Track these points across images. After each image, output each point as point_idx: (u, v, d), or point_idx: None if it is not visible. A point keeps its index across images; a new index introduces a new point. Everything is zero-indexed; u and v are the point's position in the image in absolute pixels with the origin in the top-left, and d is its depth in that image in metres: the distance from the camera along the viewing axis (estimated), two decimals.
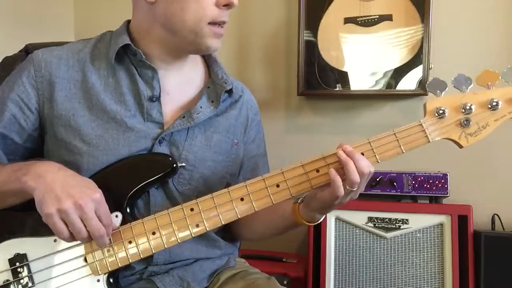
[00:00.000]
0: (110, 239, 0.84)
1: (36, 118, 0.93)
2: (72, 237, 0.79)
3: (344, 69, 1.83)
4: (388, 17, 1.77)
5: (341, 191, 0.81)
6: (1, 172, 0.86)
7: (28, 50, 1.22)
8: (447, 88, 0.87)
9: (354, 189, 0.82)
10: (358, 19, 1.79)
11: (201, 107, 0.97)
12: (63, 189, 0.78)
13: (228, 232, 1.08)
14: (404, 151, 0.85)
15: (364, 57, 1.80)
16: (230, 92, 1.03)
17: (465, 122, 0.86)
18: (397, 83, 1.78)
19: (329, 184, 0.83)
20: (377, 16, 1.78)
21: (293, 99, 1.97)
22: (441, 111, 0.86)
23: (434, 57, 1.73)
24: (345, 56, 1.82)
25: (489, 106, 0.85)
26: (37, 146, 0.97)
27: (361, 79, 1.81)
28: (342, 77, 1.83)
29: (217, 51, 1.01)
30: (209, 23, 0.90)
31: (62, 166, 0.85)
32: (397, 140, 0.85)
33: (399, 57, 1.77)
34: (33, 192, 0.79)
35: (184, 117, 0.95)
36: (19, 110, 0.92)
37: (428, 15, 1.73)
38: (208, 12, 0.89)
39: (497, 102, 0.85)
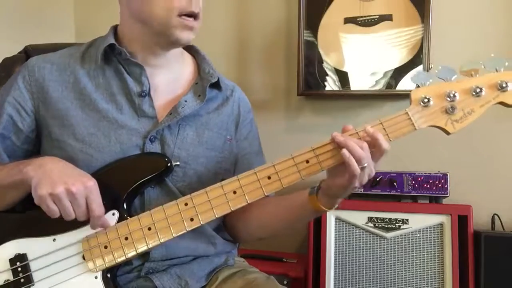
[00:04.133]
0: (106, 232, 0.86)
1: (32, 120, 0.96)
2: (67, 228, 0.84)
3: (344, 69, 1.83)
4: (388, 17, 1.78)
5: (357, 169, 0.81)
6: (4, 168, 0.90)
7: (28, 51, 1.23)
8: (431, 80, 0.88)
9: (364, 164, 0.81)
10: (358, 19, 1.80)
11: (186, 101, 0.98)
12: (59, 176, 0.81)
13: (232, 233, 1.08)
14: (391, 139, 0.86)
15: (364, 57, 1.80)
16: (218, 87, 1.05)
17: (451, 109, 0.87)
18: (397, 83, 1.78)
19: (339, 166, 0.84)
20: (377, 16, 1.78)
21: (293, 99, 1.97)
22: (426, 100, 0.87)
23: (434, 57, 1.73)
24: (345, 56, 1.82)
25: (473, 93, 0.87)
26: (35, 149, 1.00)
27: (361, 79, 1.81)
28: (342, 77, 1.83)
29: (209, 55, 1.04)
30: (178, 15, 0.91)
31: (62, 160, 0.88)
32: (384, 128, 0.86)
33: (399, 57, 1.77)
34: (31, 180, 0.82)
35: (171, 113, 0.97)
36: (16, 112, 0.95)
37: (428, 15, 1.73)
38: (175, 3, 0.91)
39: (480, 89, 0.86)
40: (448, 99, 0.87)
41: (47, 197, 0.79)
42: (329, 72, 1.84)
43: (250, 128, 1.11)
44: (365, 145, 0.82)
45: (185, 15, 0.92)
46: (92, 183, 0.83)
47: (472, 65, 0.88)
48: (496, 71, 0.88)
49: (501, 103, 0.88)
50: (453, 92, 0.87)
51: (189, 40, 0.95)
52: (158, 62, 0.99)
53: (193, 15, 0.93)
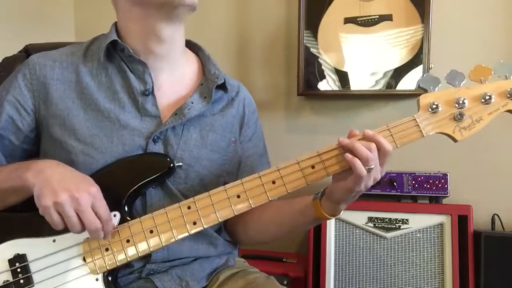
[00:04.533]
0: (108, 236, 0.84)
1: (32, 119, 0.95)
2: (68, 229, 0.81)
3: (344, 69, 1.82)
4: (388, 17, 1.77)
5: (364, 170, 0.80)
6: (2, 171, 0.88)
7: (28, 50, 1.23)
8: (440, 84, 0.87)
9: (371, 165, 0.80)
10: (358, 19, 1.79)
11: (192, 103, 0.97)
12: (60, 183, 0.79)
13: (231, 235, 1.08)
14: (398, 146, 0.85)
15: (364, 57, 1.79)
16: (224, 88, 1.03)
17: (459, 116, 0.86)
18: (397, 83, 1.78)
19: (345, 172, 0.83)
20: (377, 16, 1.78)
21: (293, 99, 1.97)
22: (434, 106, 0.86)
23: (434, 57, 1.73)
24: (345, 56, 1.82)
25: (482, 100, 0.86)
26: (34, 148, 0.98)
27: (361, 79, 1.81)
28: (342, 77, 1.83)
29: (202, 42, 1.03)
30: None
31: (61, 163, 0.86)
32: (391, 135, 0.85)
33: (399, 57, 1.77)
34: (33, 187, 0.80)
35: (176, 114, 0.95)
36: (15, 111, 0.94)
37: (428, 15, 1.72)
38: None
39: (490, 96, 0.85)
40: (457, 105, 0.86)
41: (51, 206, 0.77)
42: (329, 72, 1.84)
43: (255, 129, 1.10)
44: (373, 146, 0.81)
45: None
46: (95, 189, 0.81)
47: (482, 71, 0.86)
48: (506, 78, 0.86)
49: (510, 111, 0.87)
50: (462, 99, 0.85)
51: (193, 1, 0.90)
52: (161, 50, 0.96)
53: None
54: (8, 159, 0.95)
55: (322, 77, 1.85)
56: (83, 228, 0.80)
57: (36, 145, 0.98)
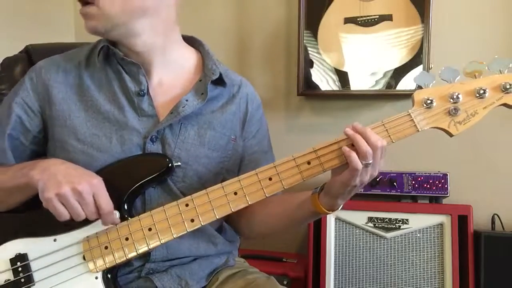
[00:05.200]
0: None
1: (39, 120, 0.98)
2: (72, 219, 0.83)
3: (344, 69, 1.83)
4: (388, 17, 1.78)
5: (359, 164, 0.80)
6: (9, 170, 0.91)
7: (28, 50, 1.24)
8: (434, 81, 0.88)
9: (369, 161, 0.80)
10: (358, 19, 1.80)
11: (186, 100, 0.97)
12: (64, 176, 0.82)
13: (234, 226, 1.08)
14: (393, 141, 0.85)
15: (364, 57, 1.80)
16: (222, 83, 1.02)
17: (454, 111, 0.86)
18: (397, 83, 1.78)
19: (343, 167, 0.83)
20: (377, 16, 1.78)
21: (293, 99, 1.98)
22: (429, 101, 0.86)
23: (434, 57, 1.73)
24: (345, 56, 1.82)
25: (477, 94, 0.86)
26: (42, 150, 1.01)
27: (361, 79, 1.81)
28: (342, 77, 1.83)
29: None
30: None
31: (66, 161, 0.89)
32: (386, 130, 0.86)
33: (399, 57, 1.77)
34: (37, 183, 0.82)
35: (172, 112, 0.96)
36: (24, 112, 0.97)
37: (428, 15, 1.73)
38: None
39: (484, 90, 0.86)
40: (452, 100, 0.86)
41: (53, 198, 0.80)
42: (329, 72, 1.84)
43: (259, 125, 1.08)
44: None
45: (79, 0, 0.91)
46: (97, 180, 0.84)
47: (476, 67, 0.87)
48: (500, 72, 0.87)
49: (505, 104, 0.87)
50: (457, 94, 0.86)
51: (89, 29, 0.91)
52: (139, 58, 0.97)
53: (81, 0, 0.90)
54: (17, 160, 0.98)
55: (322, 77, 1.85)
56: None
57: (44, 147, 1.00)
